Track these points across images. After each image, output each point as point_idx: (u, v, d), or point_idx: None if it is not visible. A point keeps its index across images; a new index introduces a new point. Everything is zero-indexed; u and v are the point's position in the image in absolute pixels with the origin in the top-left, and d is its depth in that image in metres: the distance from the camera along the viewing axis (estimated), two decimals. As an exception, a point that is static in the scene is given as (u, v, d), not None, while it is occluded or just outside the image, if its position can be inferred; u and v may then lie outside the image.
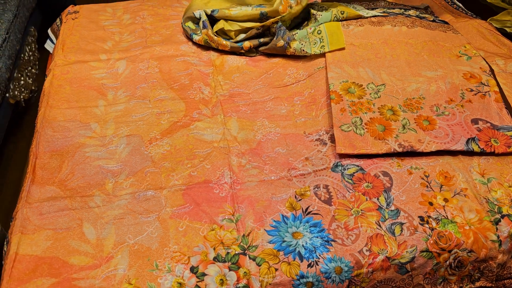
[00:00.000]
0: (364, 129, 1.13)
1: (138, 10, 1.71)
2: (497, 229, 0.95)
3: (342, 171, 1.06)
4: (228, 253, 0.91)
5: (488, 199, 0.99)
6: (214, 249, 0.92)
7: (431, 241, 0.93)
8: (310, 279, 0.88)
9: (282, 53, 1.43)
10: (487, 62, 1.31)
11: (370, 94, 1.22)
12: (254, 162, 1.10)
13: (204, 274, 0.87)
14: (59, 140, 1.15)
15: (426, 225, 0.95)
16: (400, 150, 1.07)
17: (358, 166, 1.07)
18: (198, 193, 1.02)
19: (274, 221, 0.97)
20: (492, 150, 1.07)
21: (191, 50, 1.48)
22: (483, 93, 1.21)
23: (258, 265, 0.89)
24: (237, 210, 0.99)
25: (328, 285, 0.89)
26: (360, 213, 0.97)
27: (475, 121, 1.14)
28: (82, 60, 1.43)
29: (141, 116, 1.23)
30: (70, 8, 1.72)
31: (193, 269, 0.88)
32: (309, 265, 0.89)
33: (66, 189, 1.03)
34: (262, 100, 1.28)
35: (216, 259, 0.90)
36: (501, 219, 0.96)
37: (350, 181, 1.04)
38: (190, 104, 1.27)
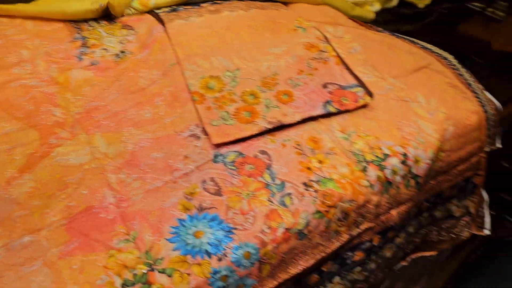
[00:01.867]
0: (233, 120, 1.16)
1: None
2: (366, 175, 1.08)
3: (223, 160, 1.08)
4: (135, 274, 0.86)
5: (353, 152, 1.12)
6: (119, 275, 0.86)
7: (318, 202, 1.01)
8: (224, 272, 0.89)
9: None
10: (320, 31, 1.44)
11: (229, 83, 1.25)
12: (134, 174, 1.05)
13: (116, 305, 0.82)
14: None
15: (311, 189, 1.03)
16: (270, 127, 1.13)
17: (236, 151, 1.10)
18: (83, 223, 0.94)
19: (172, 227, 0.95)
20: (345, 108, 1.20)
21: (26, 71, 1.32)
22: (325, 59, 1.33)
23: (170, 276, 0.87)
24: (131, 228, 0.94)
25: (242, 272, 0.91)
26: (251, 195, 1.01)
27: (325, 86, 1.26)
28: None
29: (-12, 157, 1.07)
30: None
31: (103, 304, 0.82)
32: (219, 259, 0.90)
33: None
34: (122, 109, 1.22)
35: (124, 285, 0.85)
36: (367, 165, 1.09)
37: (233, 167, 1.06)
38: (43, 131, 1.14)
